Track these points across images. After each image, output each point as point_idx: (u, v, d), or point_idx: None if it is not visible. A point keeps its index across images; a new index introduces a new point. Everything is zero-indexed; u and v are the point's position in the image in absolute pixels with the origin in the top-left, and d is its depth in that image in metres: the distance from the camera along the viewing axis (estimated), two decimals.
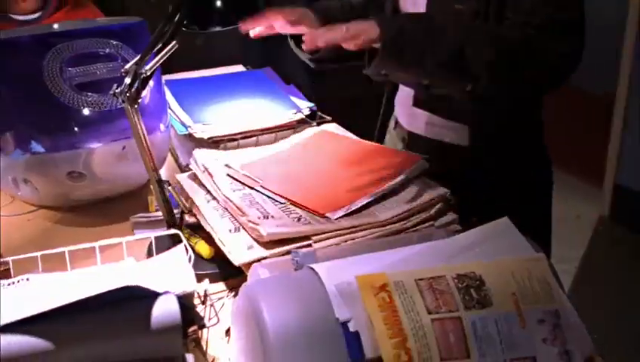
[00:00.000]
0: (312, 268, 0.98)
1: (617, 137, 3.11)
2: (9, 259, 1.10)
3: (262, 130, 1.58)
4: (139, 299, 0.77)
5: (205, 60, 1.99)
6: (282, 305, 0.92)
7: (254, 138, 1.57)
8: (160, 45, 1.17)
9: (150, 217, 1.45)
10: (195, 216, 1.34)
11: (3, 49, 1.48)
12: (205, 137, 1.52)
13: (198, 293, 0.96)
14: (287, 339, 0.90)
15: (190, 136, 1.55)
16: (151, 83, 1.43)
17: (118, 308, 0.76)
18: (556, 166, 2.11)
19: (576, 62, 1.28)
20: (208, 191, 1.33)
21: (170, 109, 1.63)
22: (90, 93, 1.42)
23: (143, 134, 1.18)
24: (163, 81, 1.63)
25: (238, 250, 1.13)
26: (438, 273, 0.97)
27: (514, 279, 0.98)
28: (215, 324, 0.91)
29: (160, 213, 1.42)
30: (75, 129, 1.41)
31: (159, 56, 1.15)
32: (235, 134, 1.55)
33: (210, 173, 1.34)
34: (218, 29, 1.42)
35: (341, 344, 0.90)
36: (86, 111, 1.41)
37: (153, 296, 0.78)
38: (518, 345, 0.94)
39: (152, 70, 1.13)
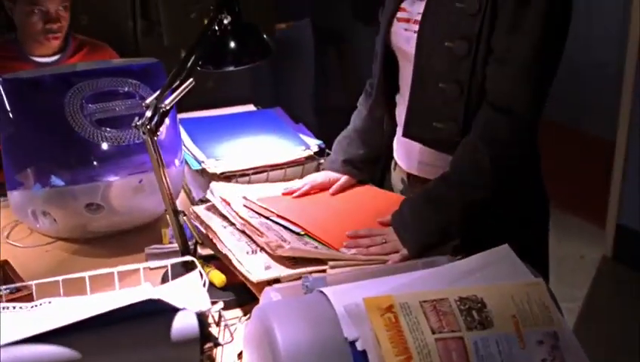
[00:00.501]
0: (321, 291, 1.04)
1: (618, 179, 3.17)
2: (32, 283, 1.16)
3: (272, 165, 1.64)
4: (160, 313, 0.82)
5: (217, 100, 2.06)
6: (293, 325, 0.97)
7: (265, 173, 1.64)
8: (178, 82, 1.24)
9: (164, 249, 1.50)
10: (208, 247, 1.40)
11: (27, 87, 1.56)
12: (218, 172, 1.58)
13: (212, 315, 1.01)
14: (297, 358, 0.95)
15: (203, 171, 1.61)
16: (167, 120, 1.50)
17: (141, 320, 0.81)
18: (560, 207, 2.16)
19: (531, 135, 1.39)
20: (225, 219, 1.39)
21: (184, 146, 1.70)
22: (109, 129, 1.49)
23: (161, 165, 1.25)
24: (178, 119, 1.70)
25: (256, 269, 1.20)
26: (442, 296, 1.02)
27: (514, 302, 1.03)
28: (229, 342, 0.95)
29: (173, 245, 1.49)
30: (95, 163, 1.47)
31: (177, 91, 1.22)
32: (246, 169, 1.62)
33: (227, 202, 1.41)
34: (231, 68, 1.49)
35: (347, 359, 0.95)
36: (105, 146, 1.48)
37: (173, 310, 0.83)
38: None
39: (171, 104, 1.20)
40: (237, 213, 1.38)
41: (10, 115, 1.53)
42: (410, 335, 0.97)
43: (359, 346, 0.96)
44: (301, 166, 1.68)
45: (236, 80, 2.78)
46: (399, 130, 1.50)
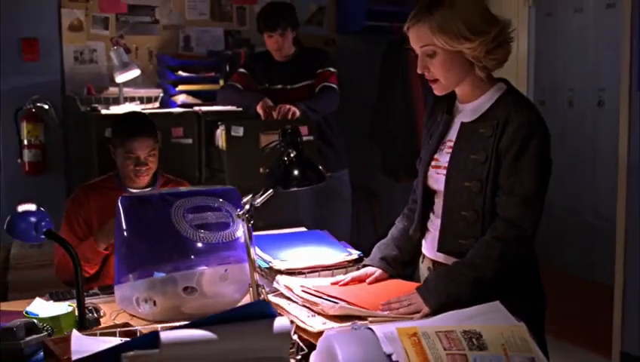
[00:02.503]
0: (366, 328, 1.48)
1: (619, 315, 3.58)
2: (158, 326, 1.61)
3: (323, 266, 2.12)
4: (265, 316, 1.28)
5: (273, 224, 2.56)
6: (349, 345, 1.41)
7: (317, 272, 2.10)
8: (262, 190, 1.76)
9: None
10: None
11: (139, 203, 2.08)
12: (282, 268, 2.05)
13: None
14: None
15: (270, 268, 2.08)
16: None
17: (254, 319, 1.27)
18: (571, 342, 2.49)
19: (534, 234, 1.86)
20: (288, 299, 1.85)
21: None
22: (203, 231, 1.98)
23: (250, 243, 1.74)
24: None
25: (316, 324, 1.65)
26: (451, 328, 1.46)
27: (502, 336, 1.46)
28: (304, 352, 1.39)
29: None
30: (192, 256, 1.96)
31: (264, 195, 1.73)
32: (303, 268, 2.09)
33: (289, 288, 1.88)
34: (295, 189, 2.00)
35: None
36: (200, 244, 1.97)
37: (273, 315, 1.29)
38: None
39: (261, 202, 1.71)
40: (297, 295, 1.85)
41: (125, 225, 2.04)
42: (429, 351, 1.40)
43: (394, 357, 1.39)
44: (345, 268, 2.14)
45: (288, 205, 3.32)
46: (428, 232, 2.01)
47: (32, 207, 1.92)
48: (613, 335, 3.58)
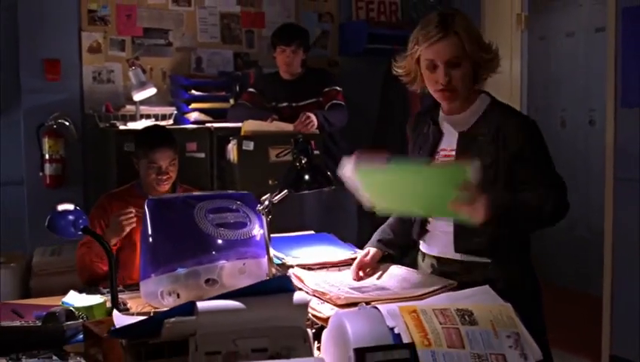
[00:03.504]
0: (371, 307, 1.69)
1: (607, 321, 3.78)
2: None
3: (331, 263, 2.32)
4: (287, 291, 1.49)
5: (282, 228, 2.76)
6: (357, 320, 1.61)
7: (325, 269, 2.31)
8: (278, 190, 1.98)
9: None
10: None
11: (165, 204, 2.30)
12: (294, 264, 2.26)
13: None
14: (359, 338, 1.58)
15: (283, 264, 2.29)
16: (262, 231, 2.20)
17: (277, 293, 1.48)
18: (565, 349, 2.70)
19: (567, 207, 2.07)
20: (300, 290, 2.06)
21: None
22: (223, 229, 2.20)
23: (267, 233, 1.95)
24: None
25: (326, 310, 1.86)
26: (446, 307, 1.66)
27: (491, 313, 1.67)
28: (317, 325, 1.60)
29: None
30: (213, 252, 2.17)
31: (280, 195, 1.95)
32: (312, 264, 2.29)
33: (301, 279, 2.09)
34: (306, 191, 2.22)
35: (389, 338, 1.58)
36: (220, 241, 2.18)
37: (293, 290, 1.50)
38: (494, 346, 1.60)
39: (278, 200, 1.93)
40: (308, 285, 2.06)
41: (151, 225, 2.25)
42: (427, 325, 1.60)
43: (396, 331, 1.59)
44: (350, 265, 2.35)
45: (296, 209, 3.53)
46: (428, 233, 2.22)
47: (70, 206, 2.13)
48: (603, 339, 3.78)
